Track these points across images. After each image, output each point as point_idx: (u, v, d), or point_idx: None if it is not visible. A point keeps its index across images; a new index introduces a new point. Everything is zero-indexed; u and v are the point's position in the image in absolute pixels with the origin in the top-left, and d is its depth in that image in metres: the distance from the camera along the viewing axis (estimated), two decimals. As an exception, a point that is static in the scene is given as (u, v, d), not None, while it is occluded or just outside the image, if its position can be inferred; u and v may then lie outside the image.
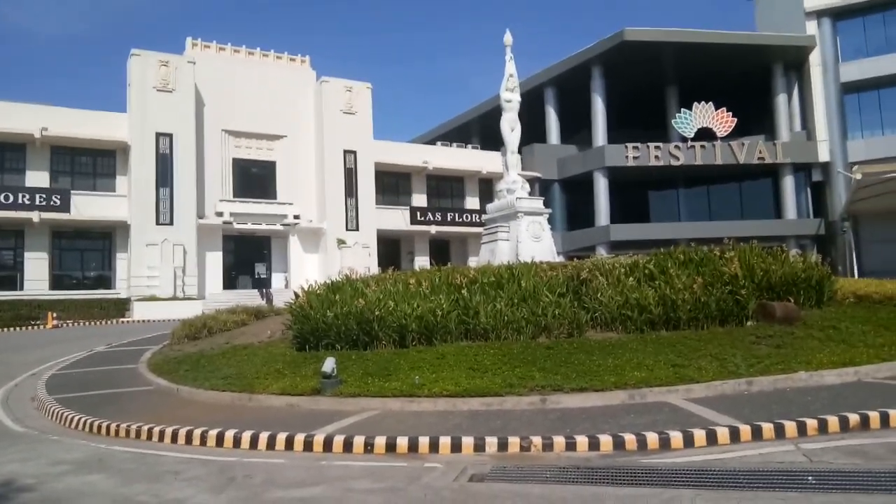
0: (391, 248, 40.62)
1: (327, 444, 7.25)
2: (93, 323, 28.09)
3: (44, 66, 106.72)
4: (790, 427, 6.79)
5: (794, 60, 42.75)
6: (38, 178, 31.04)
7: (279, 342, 13.01)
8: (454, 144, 44.89)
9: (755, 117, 42.70)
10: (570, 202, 44.19)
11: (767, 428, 6.79)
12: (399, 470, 6.34)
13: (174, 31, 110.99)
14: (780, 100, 42.78)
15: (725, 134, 40.91)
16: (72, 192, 31.07)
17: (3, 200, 29.28)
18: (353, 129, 37.30)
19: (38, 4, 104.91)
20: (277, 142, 36.80)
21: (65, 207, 30.47)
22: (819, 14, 42.08)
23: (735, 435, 6.73)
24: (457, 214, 41.58)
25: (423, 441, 7.01)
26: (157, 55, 32.76)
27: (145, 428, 8.34)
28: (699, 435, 6.68)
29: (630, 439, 6.66)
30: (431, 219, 40.40)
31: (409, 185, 41.73)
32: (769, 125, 43.09)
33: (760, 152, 40.92)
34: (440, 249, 41.72)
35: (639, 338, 10.41)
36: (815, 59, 42.19)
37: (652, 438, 6.65)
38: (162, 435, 8.12)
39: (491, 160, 41.98)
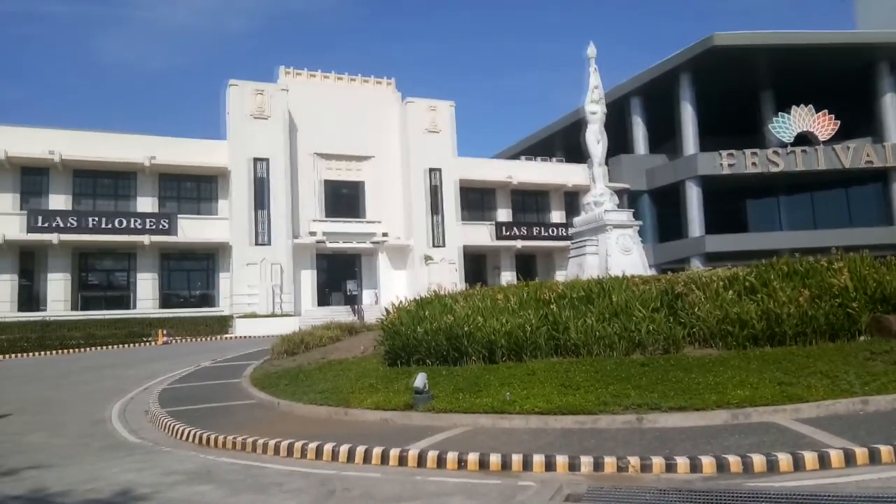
0: (477, 264, 40.75)
1: (421, 459, 7.32)
2: (198, 339, 29.67)
3: (148, 99, 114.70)
4: (913, 450, 6.30)
5: (903, 57, 40.02)
6: (146, 203, 33.29)
7: (371, 357, 13.29)
8: (538, 158, 44.68)
9: (858, 119, 40.22)
10: (660, 213, 42.97)
11: (886, 451, 6.32)
12: (493, 487, 6.33)
13: (265, 57, 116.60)
14: (887, 100, 40.12)
15: (827, 138, 38.71)
16: (178, 216, 33.13)
17: (116, 225, 31.55)
18: (437, 147, 37.87)
19: (143, 43, 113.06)
20: (365, 162, 37.83)
21: (172, 230, 32.51)
22: (929, 6, 39.31)
23: (850, 458, 6.30)
24: (542, 229, 41.28)
25: (516, 458, 6.96)
26: (252, 84, 34.55)
27: (249, 440, 8.71)
28: (810, 457, 6.30)
29: (734, 461, 6.37)
30: (516, 233, 40.27)
31: (494, 201, 41.80)
32: (875, 127, 40.48)
33: (867, 155, 38.46)
34: (526, 264, 41.49)
35: (740, 354, 9.96)
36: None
37: (758, 460, 6.33)
38: (265, 447, 8.45)
39: (576, 173, 41.52)
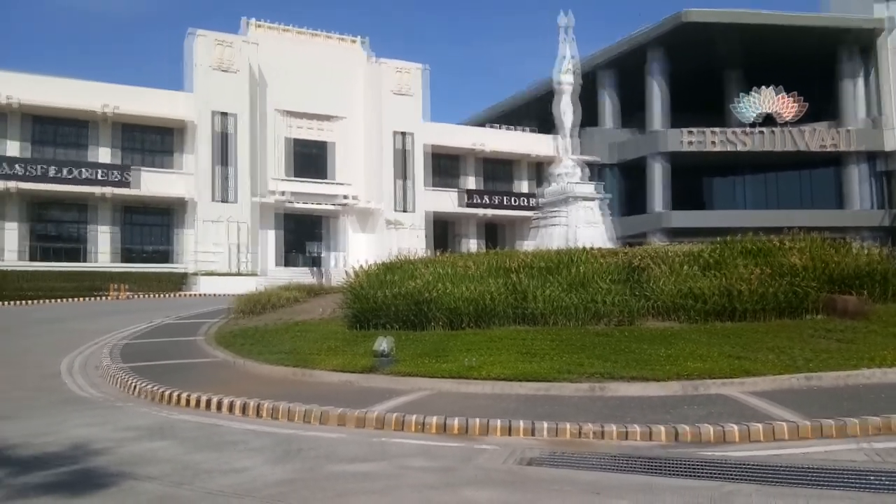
0: (441, 231, 40.75)
1: (381, 422, 7.37)
2: (156, 295, 29.11)
3: (107, 45, 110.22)
4: (854, 425, 6.58)
5: (865, 43, 40.78)
6: (102, 154, 32.17)
7: (334, 320, 13.25)
8: (508, 127, 44.54)
9: (821, 103, 40.98)
10: (624, 187, 43.44)
11: (830, 425, 6.59)
12: (452, 450, 6.41)
13: (232, 8, 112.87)
14: (848, 85, 40.93)
15: (790, 119, 39.42)
16: (137, 168, 32.17)
17: (75, 175, 30.47)
18: (406, 110, 37.40)
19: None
20: (333, 122, 37.20)
21: (132, 183, 31.59)
22: (892, -5, 39.98)
23: (796, 431, 6.56)
24: (509, 198, 41.38)
25: (477, 423, 7.06)
26: (218, 35, 33.45)
27: (205, 398, 8.62)
28: (758, 429, 6.54)
29: (686, 431, 6.57)
30: (483, 202, 40.32)
31: (461, 168, 41.67)
32: (835, 111, 41.34)
33: (825, 139, 39.32)
34: (490, 232, 41.66)
35: (696, 328, 10.22)
36: (887, 42, 40.12)
37: (709, 431, 6.54)
38: (222, 405, 8.40)
39: (544, 143, 41.48)
